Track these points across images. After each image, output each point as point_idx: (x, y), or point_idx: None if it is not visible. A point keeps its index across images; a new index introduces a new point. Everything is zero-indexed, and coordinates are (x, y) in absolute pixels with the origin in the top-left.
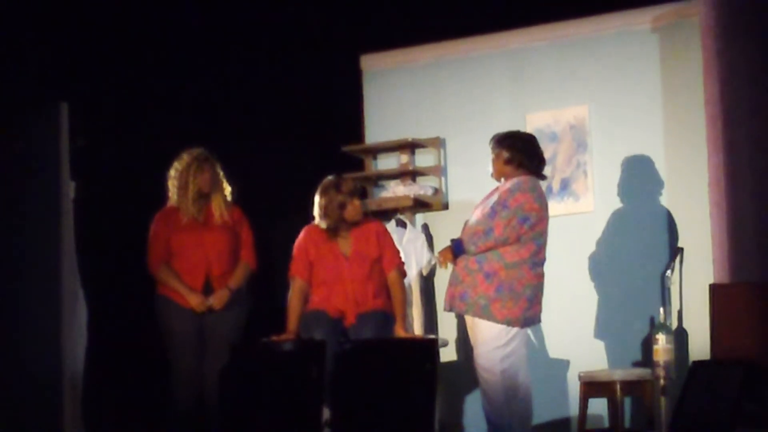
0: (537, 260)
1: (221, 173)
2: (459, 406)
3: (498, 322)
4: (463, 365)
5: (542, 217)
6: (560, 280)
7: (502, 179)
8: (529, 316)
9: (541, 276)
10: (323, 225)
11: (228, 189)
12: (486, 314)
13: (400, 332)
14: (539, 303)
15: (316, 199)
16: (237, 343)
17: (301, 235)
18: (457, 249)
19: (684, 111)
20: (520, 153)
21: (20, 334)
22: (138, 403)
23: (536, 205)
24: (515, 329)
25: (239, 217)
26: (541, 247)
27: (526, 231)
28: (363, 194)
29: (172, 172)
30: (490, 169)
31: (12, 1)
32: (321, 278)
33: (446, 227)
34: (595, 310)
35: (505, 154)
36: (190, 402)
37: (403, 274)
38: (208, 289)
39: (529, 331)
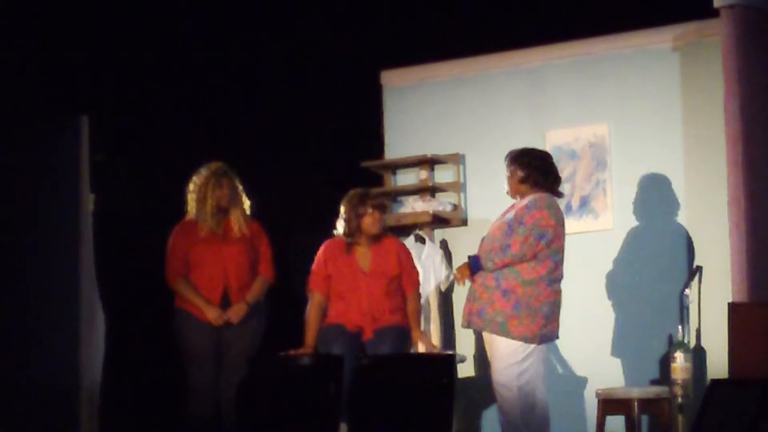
0: (554, 277)
1: (240, 187)
2: (476, 421)
3: (515, 338)
4: (481, 381)
5: (559, 233)
6: (578, 298)
7: (518, 197)
8: (545, 332)
9: (558, 293)
10: (342, 234)
11: (247, 203)
12: (503, 331)
13: (417, 335)
14: (556, 320)
15: (341, 208)
16: (254, 357)
17: (321, 249)
18: (474, 265)
19: (704, 130)
20: (536, 171)
21: (38, 345)
22: (155, 415)
23: (552, 221)
24: (532, 346)
25: (258, 231)
26: (558, 264)
27: (543, 248)
28: (385, 211)
29: (191, 186)
30: (506, 186)
31: (33, 15)
32: (338, 292)
33: (465, 243)
34: (613, 328)
35: (520, 173)
36: (206, 416)
37: (418, 293)
38: (225, 303)
39: (546, 348)
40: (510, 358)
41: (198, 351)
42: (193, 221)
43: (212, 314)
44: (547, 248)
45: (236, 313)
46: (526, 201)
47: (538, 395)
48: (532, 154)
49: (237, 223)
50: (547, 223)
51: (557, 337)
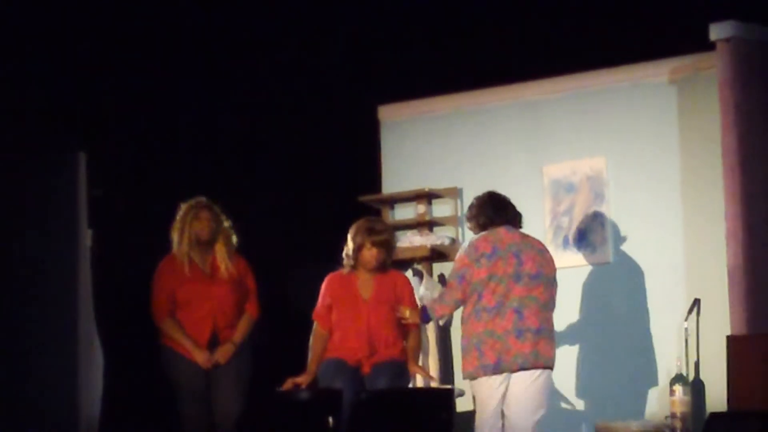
0: (480, 308)
1: (226, 223)
2: None
3: (463, 377)
4: None
5: (472, 267)
6: (577, 331)
7: None
8: (484, 364)
9: (487, 322)
10: (345, 257)
11: (233, 239)
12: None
13: (414, 368)
14: (494, 349)
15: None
16: (253, 390)
17: (324, 282)
18: (423, 316)
19: (701, 162)
20: (475, 218)
21: (37, 379)
22: None
23: (466, 260)
24: (479, 379)
25: (244, 269)
26: (481, 294)
27: (466, 285)
28: (388, 249)
29: (175, 223)
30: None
31: (30, 51)
32: (339, 321)
33: None
34: (612, 361)
35: (472, 228)
36: None
37: (417, 328)
38: (214, 341)
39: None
40: (477, 396)
41: (187, 388)
42: (176, 256)
43: (201, 358)
44: (469, 285)
45: (224, 354)
46: None
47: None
48: (471, 209)
49: (223, 262)
50: (461, 264)
51: (512, 369)
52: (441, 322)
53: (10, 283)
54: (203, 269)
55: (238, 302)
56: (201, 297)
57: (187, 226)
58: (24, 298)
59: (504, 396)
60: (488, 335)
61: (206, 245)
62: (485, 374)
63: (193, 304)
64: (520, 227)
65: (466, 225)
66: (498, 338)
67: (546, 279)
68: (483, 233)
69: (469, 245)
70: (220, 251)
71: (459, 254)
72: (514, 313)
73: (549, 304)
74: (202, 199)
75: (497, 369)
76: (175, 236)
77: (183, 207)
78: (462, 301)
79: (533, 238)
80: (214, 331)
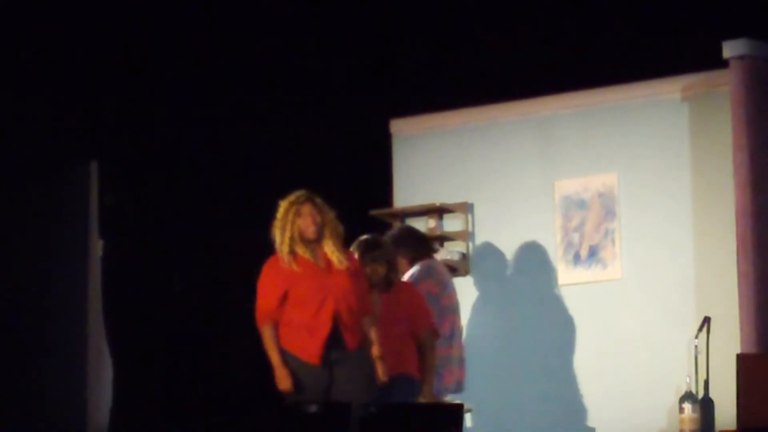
0: (442, 334)
1: (331, 214)
2: None
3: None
4: (487, 430)
5: (442, 293)
6: (587, 347)
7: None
8: (444, 387)
9: (447, 348)
10: None
11: (340, 229)
12: None
13: (426, 392)
14: (452, 374)
15: None
16: (260, 402)
17: None
18: None
19: (713, 180)
20: (411, 247)
21: (46, 389)
22: None
23: (436, 288)
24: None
25: (357, 263)
26: (441, 323)
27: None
28: (392, 264)
29: (276, 222)
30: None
31: (42, 60)
32: None
33: (473, 292)
34: (622, 378)
35: (403, 258)
36: None
37: (436, 336)
38: (334, 340)
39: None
40: None
41: (307, 393)
42: (280, 257)
43: (284, 382)
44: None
45: (384, 373)
46: (406, 278)
47: None
48: (401, 235)
49: (334, 254)
50: (435, 289)
51: (456, 390)
52: None
53: (20, 293)
54: (316, 263)
55: (359, 298)
56: (318, 292)
57: (289, 224)
58: (34, 308)
59: None
60: (446, 361)
61: (313, 242)
62: (444, 396)
63: (310, 300)
64: None
65: (401, 263)
66: (456, 364)
67: None
68: (431, 261)
69: (432, 271)
70: (327, 245)
71: (426, 279)
72: (460, 342)
73: None
74: (303, 192)
75: (456, 390)
76: (277, 236)
77: (283, 204)
78: None
79: None
80: (336, 329)
